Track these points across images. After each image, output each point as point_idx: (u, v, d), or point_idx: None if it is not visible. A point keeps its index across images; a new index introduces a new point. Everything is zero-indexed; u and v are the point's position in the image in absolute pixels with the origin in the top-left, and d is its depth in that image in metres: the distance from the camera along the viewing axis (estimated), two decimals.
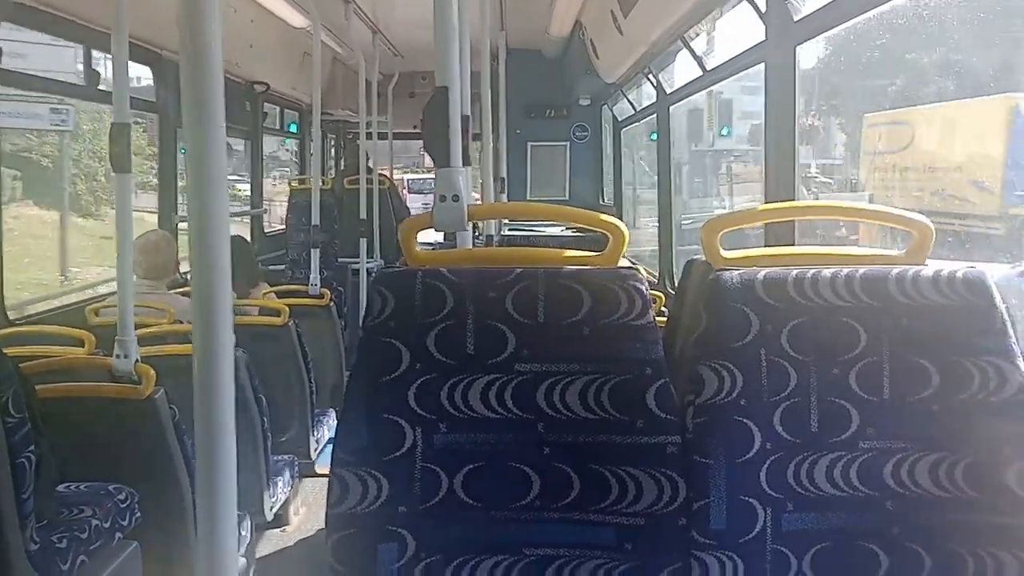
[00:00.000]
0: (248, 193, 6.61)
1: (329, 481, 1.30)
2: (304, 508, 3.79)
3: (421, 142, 1.65)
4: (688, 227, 5.53)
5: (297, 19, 5.49)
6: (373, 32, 5.89)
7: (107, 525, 2.11)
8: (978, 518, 1.28)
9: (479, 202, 4.29)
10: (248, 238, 5.83)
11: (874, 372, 1.30)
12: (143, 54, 4.22)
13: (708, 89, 4.43)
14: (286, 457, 3.51)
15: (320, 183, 4.98)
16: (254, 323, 3.63)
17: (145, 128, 7.10)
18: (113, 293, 2.63)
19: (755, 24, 2.90)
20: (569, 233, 5.96)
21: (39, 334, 2.91)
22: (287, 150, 10.14)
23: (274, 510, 3.28)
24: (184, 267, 3.71)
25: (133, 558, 2.20)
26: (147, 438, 2.34)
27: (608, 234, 1.39)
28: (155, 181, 4.87)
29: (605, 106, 7.26)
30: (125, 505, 2.19)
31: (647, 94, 5.64)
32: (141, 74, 4.56)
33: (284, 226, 6.62)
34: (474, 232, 4.32)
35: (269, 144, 8.38)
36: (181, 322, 3.08)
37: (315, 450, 3.85)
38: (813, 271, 1.33)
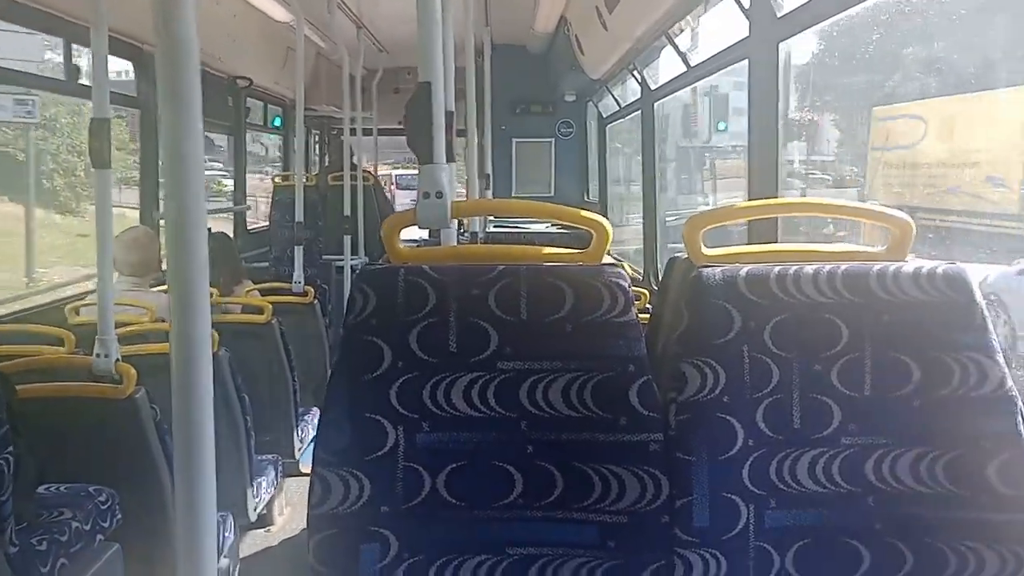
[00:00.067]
0: (231, 189, 6.56)
1: (311, 481, 1.28)
2: (288, 508, 3.77)
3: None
4: (673, 224, 5.53)
5: (280, 13, 5.45)
6: (357, 27, 5.85)
7: (88, 527, 2.07)
8: (959, 514, 1.29)
9: (464, 198, 4.28)
10: (231, 235, 5.79)
11: (856, 368, 1.30)
12: (124, 48, 4.17)
13: (707, 85, 4.42)
14: (270, 456, 3.48)
15: (304, 179, 4.94)
16: (237, 321, 3.60)
17: (128, 123, 7.03)
18: (94, 291, 2.60)
19: (739, 20, 2.91)
20: (555, 230, 5.95)
21: (18, 333, 2.88)
22: (261, 144, 10.03)
23: (258, 510, 3.25)
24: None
25: (114, 560, 2.17)
26: (128, 438, 2.31)
27: (592, 231, 1.38)
28: (138, 176, 4.83)
29: (590, 102, 7.25)
30: (106, 506, 2.15)
31: (632, 90, 5.64)
32: (124, 68, 4.51)
33: (268, 223, 6.58)
34: (459, 229, 4.31)
35: (253, 139, 8.29)
36: (163, 320, 3.05)
37: (299, 449, 3.81)
38: (795, 268, 1.33)
